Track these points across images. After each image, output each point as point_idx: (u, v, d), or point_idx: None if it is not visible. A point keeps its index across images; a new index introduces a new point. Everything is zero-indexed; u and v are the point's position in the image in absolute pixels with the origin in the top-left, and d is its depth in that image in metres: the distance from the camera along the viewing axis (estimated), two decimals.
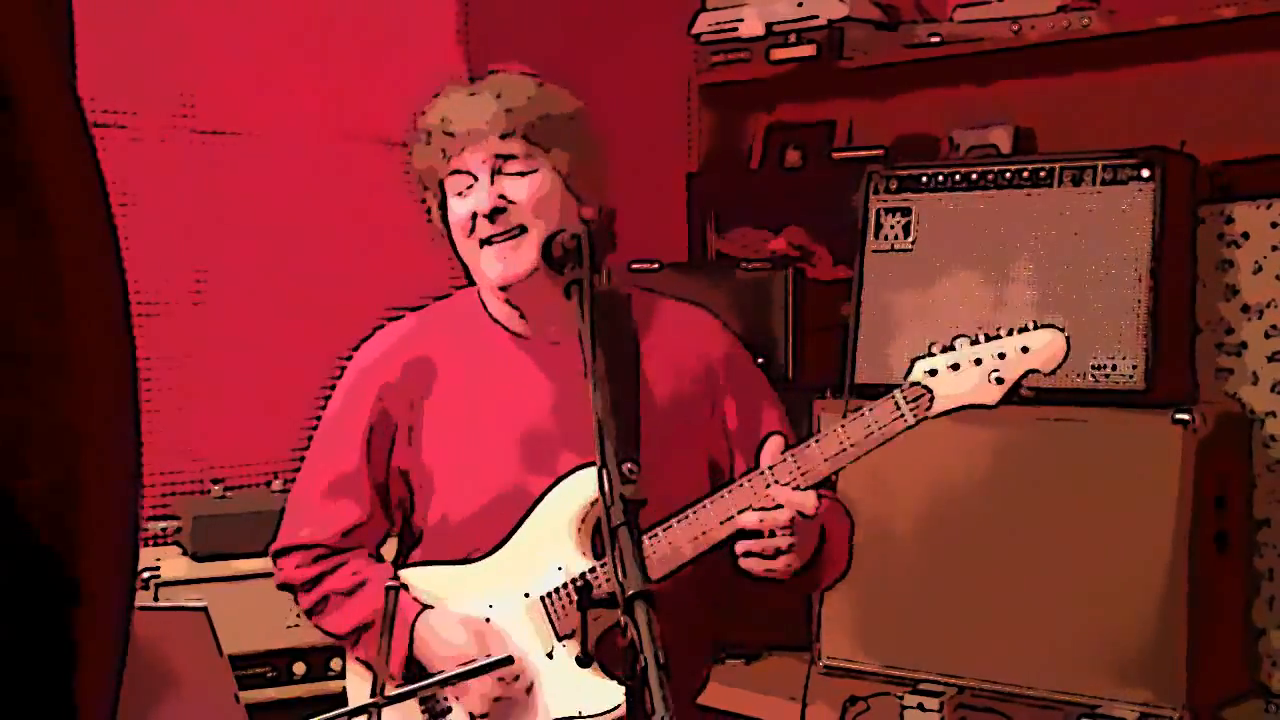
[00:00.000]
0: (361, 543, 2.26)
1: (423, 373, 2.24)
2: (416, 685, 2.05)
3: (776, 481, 1.99)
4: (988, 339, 2.00)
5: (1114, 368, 2.95)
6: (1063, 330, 1.98)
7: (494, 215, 2.10)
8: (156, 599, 2.93)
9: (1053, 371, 1.98)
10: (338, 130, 3.57)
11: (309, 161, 3.53)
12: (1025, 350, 1.97)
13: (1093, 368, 2.97)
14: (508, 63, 2.25)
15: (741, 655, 3.35)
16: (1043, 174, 3.09)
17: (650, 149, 3.96)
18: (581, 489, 2.08)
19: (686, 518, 2.04)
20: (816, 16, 3.83)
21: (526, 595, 2.12)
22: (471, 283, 2.27)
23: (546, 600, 2.11)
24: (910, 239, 3.24)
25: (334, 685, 3.11)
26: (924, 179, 3.24)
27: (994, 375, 1.97)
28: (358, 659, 2.27)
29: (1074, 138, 3.41)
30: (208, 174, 3.41)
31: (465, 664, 2.07)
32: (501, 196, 2.11)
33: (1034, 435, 2.99)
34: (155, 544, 3.20)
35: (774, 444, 2.03)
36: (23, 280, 0.64)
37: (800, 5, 3.86)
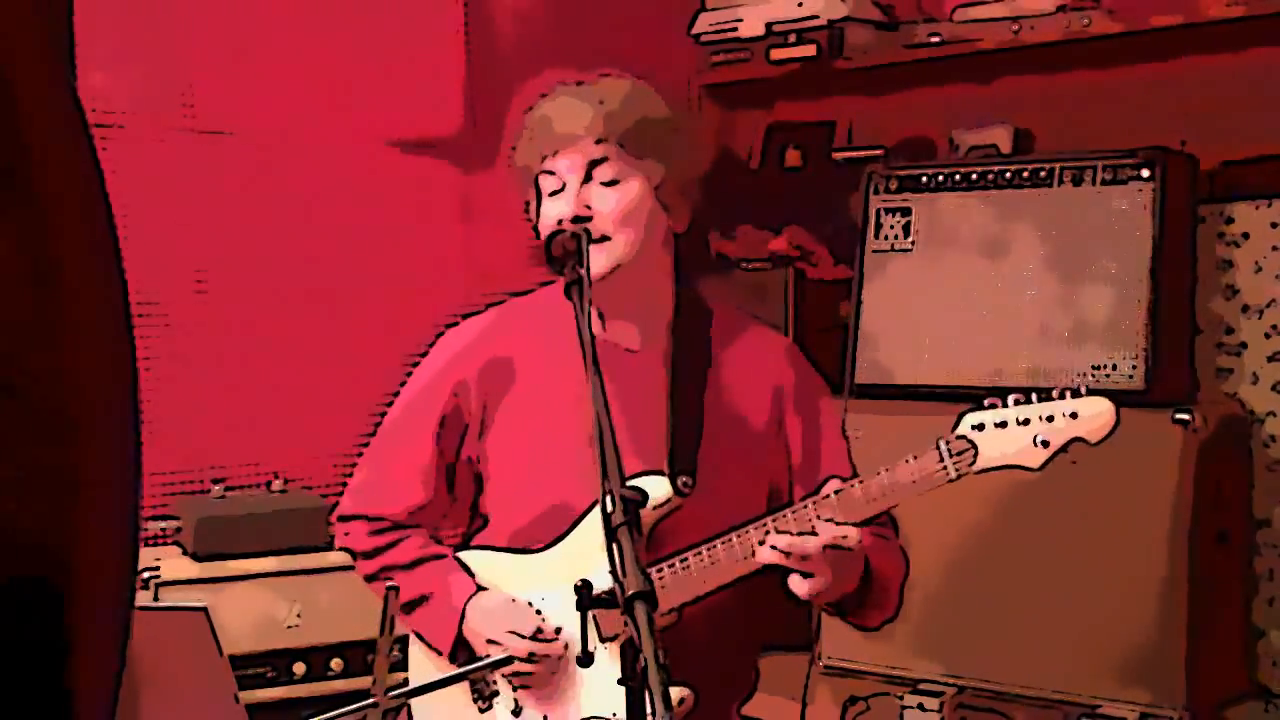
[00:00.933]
0: (423, 522, 2.31)
1: (501, 368, 2.28)
2: (417, 686, 2.06)
3: (818, 517, 2.01)
4: (1039, 398, 1.99)
5: (1114, 368, 2.95)
6: (1114, 402, 1.98)
7: (577, 222, 2.11)
8: (156, 599, 2.93)
9: (1098, 443, 1.98)
10: (338, 130, 3.57)
11: (309, 161, 3.53)
12: (1074, 416, 1.97)
13: (1093, 368, 2.97)
14: (607, 69, 2.26)
15: None
16: (1043, 174, 3.09)
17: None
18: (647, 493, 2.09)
19: (715, 547, 2.06)
20: (816, 16, 3.83)
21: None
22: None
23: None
24: (910, 239, 3.24)
25: (334, 685, 3.12)
26: (924, 179, 3.24)
27: (1040, 439, 1.97)
28: (416, 635, 2.30)
29: (1074, 138, 3.41)
30: (208, 174, 3.41)
31: (467, 664, 2.09)
32: (587, 206, 2.12)
33: None
34: (155, 544, 3.20)
35: (830, 486, 2.04)
36: (22, 281, 0.64)
37: (800, 5, 3.86)
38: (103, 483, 0.68)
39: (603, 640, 2.11)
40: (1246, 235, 3.11)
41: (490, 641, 2.15)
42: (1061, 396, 1.99)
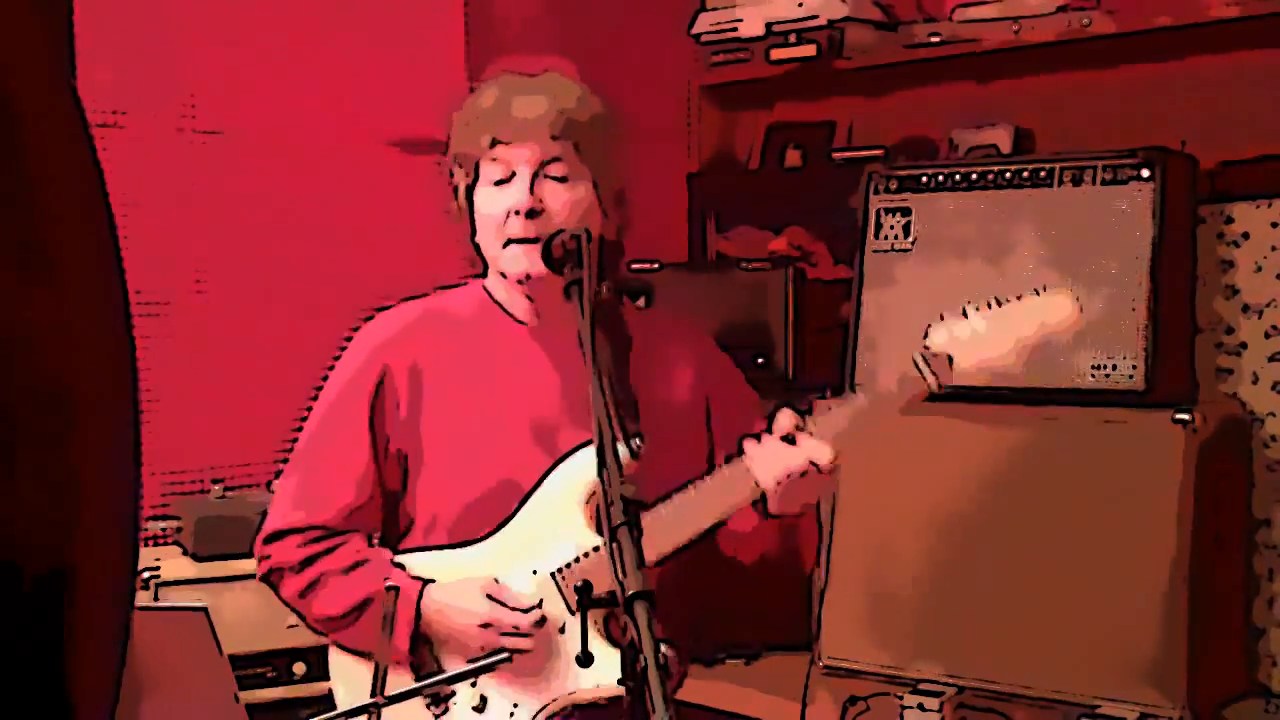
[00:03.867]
0: (360, 526, 2.22)
1: (426, 357, 2.24)
2: (416, 685, 2.05)
3: (798, 428, 2.00)
4: (999, 303, 2.00)
5: (1114, 368, 2.95)
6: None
7: (531, 215, 2.10)
8: (156, 599, 2.93)
9: (1067, 338, 1.98)
10: (338, 130, 3.57)
11: (309, 161, 3.53)
12: (1040, 312, 1.98)
13: (1093, 368, 2.97)
14: (553, 59, 2.25)
15: (741, 655, 3.35)
16: (1043, 174, 3.09)
17: (650, 149, 3.96)
18: (587, 466, 2.08)
19: (701, 483, 2.05)
20: (816, 16, 3.83)
21: (535, 572, 2.11)
22: (480, 269, 2.27)
23: (557, 575, 2.10)
24: (910, 239, 3.24)
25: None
26: (924, 179, 3.24)
27: (1019, 336, 1.98)
28: (342, 648, 2.23)
29: (1074, 138, 3.41)
30: (208, 174, 3.41)
31: (476, 660, 2.07)
32: (540, 200, 2.11)
33: (1034, 435, 2.99)
34: (155, 544, 3.20)
35: (784, 414, 2.03)
36: (22, 280, 0.64)
37: (800, 5, 3.86)
38: (103, 483, 0.68)
39: (571, 613, 2.08)
40: (1246, 235, 3.11)
41: (457, 630, 2.10)
42: (1021, 299, 2.00)
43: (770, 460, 2.01)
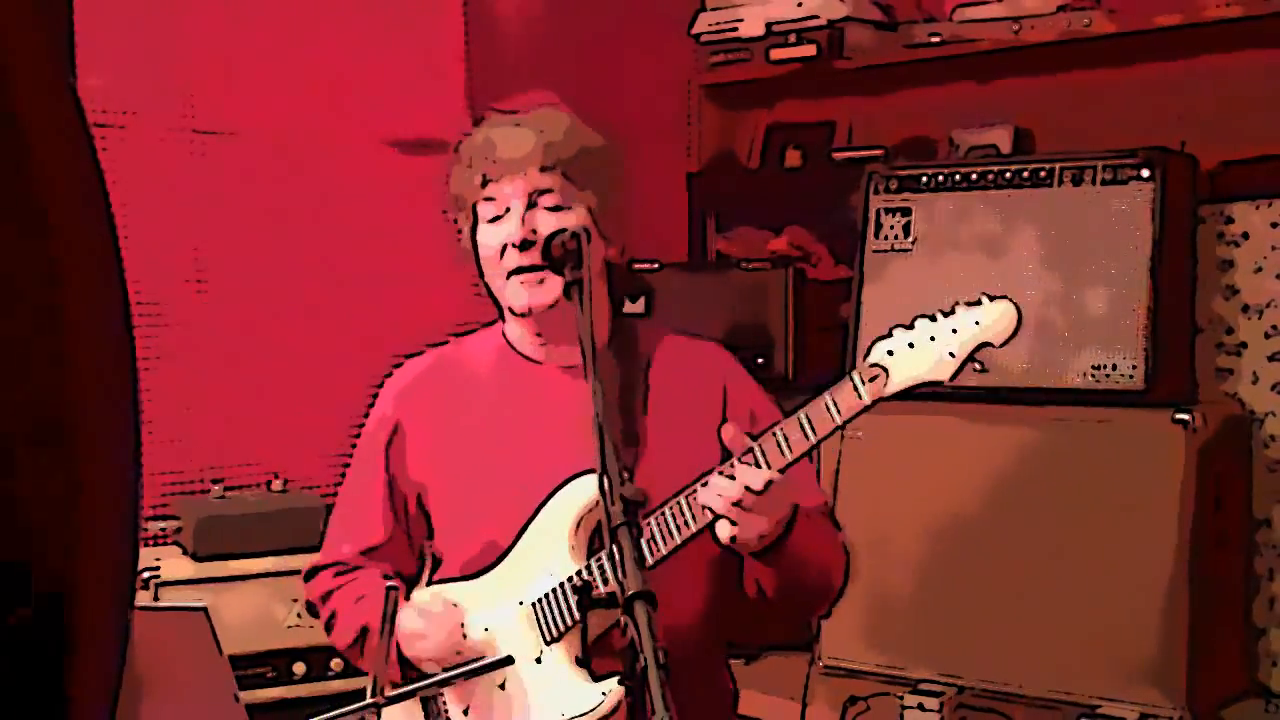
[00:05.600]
0: (382, 563, 2.28)
1: (439, 401, 2.29)
2: (416, 685, 2.06)
3: (738, 461, 1.99)
4: (944, 315, 2.01)
5: (1114, 368, 2.95)
6: (1013, 302, 2.00)
7: (524, 246, 2.12)
8: (156, 599, 2.93)
9: (1003, 344, 2.00)
10: (338, 130, 3.57)
11: (309, 161, 3.53)
12: (977, 323, 1.99)
13: (1093, 368, 2.97)
14: (541, 93, 2.27)
15: (741, 655, 3.35)
16: (1043, 174, 3.09)
17: (650, 149, 3.96)
18: (578, 493, 2.10)
19: (662, 512, 2.05)
20: (816, 16, 3.83)
21: (521, 603, 2.14)
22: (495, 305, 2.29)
23: (535, 606, 2.13)
24: (910, 239, 3.24)
25: (334, 685, 3.12)
26: (924, 179, 3.24)
27: (949, 351, 1.99)
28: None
29: (1074, 138, 3.41)
30: (208, 174, 3.41)
31: (464, 665, 2.08)
32: (533, 230, 2.12)
33: (1034, 435, 2.99)
34: (155, 544, 3.20)
35: (729, 428, 2.03)
36: (23, 280, 0.64)
37: (800, 5, 3.86)
38: (103, 483, 0.68)
39: (546, 643, 2.11)
40: (1246, 235, 3.11)
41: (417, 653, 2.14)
42: (964, 307, 2.00)
43: (717, 491, 2.00)
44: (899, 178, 3.28)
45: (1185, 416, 2.84)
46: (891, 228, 3.27)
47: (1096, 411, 2.94)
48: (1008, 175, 3.14)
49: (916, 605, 3.11)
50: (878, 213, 3.29)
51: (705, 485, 2.00)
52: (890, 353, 2.01)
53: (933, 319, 2.01)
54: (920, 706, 2.97)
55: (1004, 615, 3.00)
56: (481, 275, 2.23)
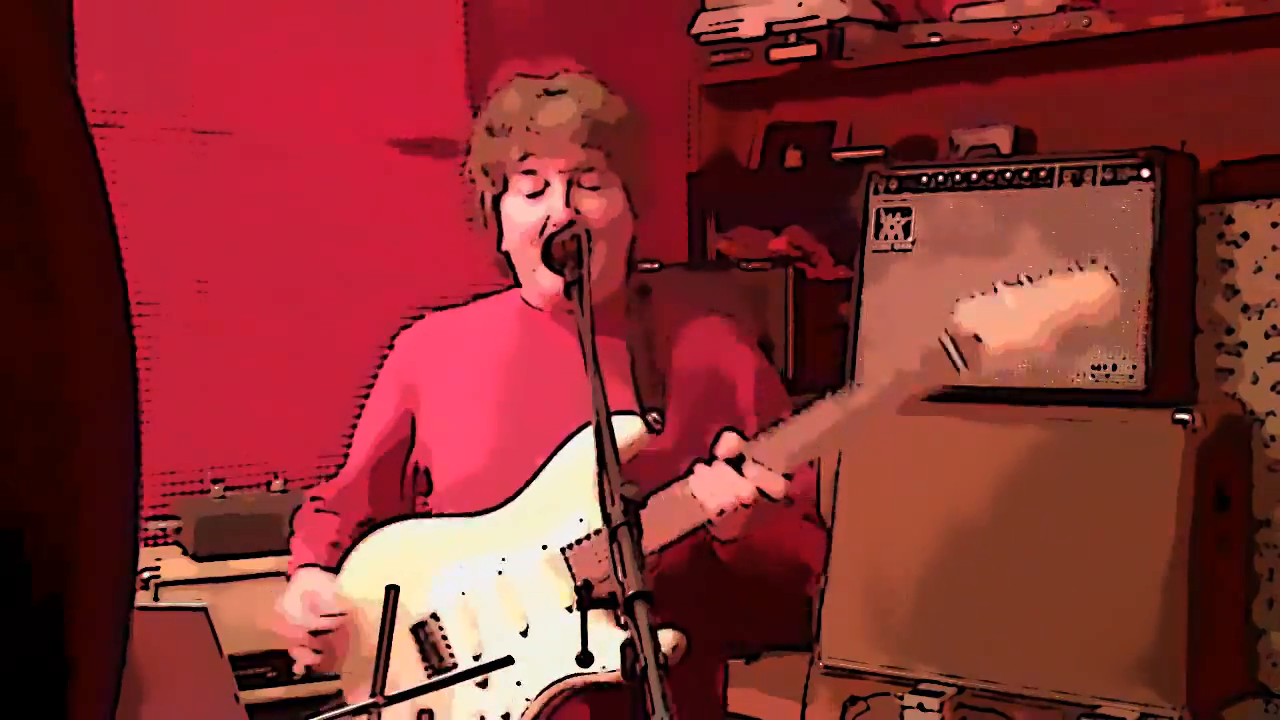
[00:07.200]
0: (345, 503, 2.35)
1: (455, 349, 2.29)
2: (417, 685, 2.05)
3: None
4: (1032, 280, 1.91)
5: (1114, 368, 2.95)
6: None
7: (569, 227, 2.08)
8: (156, 599, 2.93)
9: (1101, 320, 1.92)
10: (338, 130, 3.57)
11: (309, 161, 3.53)
12: (1072, 292, 1.93)
13: (1093, 368, 2.97)
14: (562, 59, 2.23)
15: (741, 655, 3.35)
16: (1043, 174, 3.09)
17: (650, 149, 3.96)
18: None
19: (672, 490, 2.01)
20: (816, 16, 3.83)
21: (545, 547, 2.09)
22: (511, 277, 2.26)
23: (567, 551, 2.08)
24: (910, 239, 3.24)
25: (334, 685, 3.11)
26: (924, 179, 3.24)
27: (1046, 319, 1.92)
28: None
29: (1074, 138, 3.42)
30: (208, 174, 3.41)
31: (464, 668, 2.08)
32: (577, 211, 2.09)
33: (1035, 435, 2.99)
34: (155, 544, 3.20)
35: (729, 436, 1.97)
36: (22, 279, 0.64)
37: (800, 5, 3.86)
38: (103, 483, 0.67)
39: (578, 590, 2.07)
40: (1246, 235, 3.11)
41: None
42: (1056, 276, 1.93)
43: (714, 486, 1.94)
44: (899, 178, 3.28)
45: (1185, 416, 2.84)
46: (891, 228, 3.27)
47: (1097, 411, 2.93)
48: (1008, 175, 3.14)
49: (916, 605, 3.11)
50: (878, 213, 3.29)
51: (700, 477, 1.95)
52: (982, 314, 1.88)
53: (1019, 283, 1.91)
54: (920, 706, 2.97)
55: (1004, 615, 2.99)
56: (500, 245, 2.20)
